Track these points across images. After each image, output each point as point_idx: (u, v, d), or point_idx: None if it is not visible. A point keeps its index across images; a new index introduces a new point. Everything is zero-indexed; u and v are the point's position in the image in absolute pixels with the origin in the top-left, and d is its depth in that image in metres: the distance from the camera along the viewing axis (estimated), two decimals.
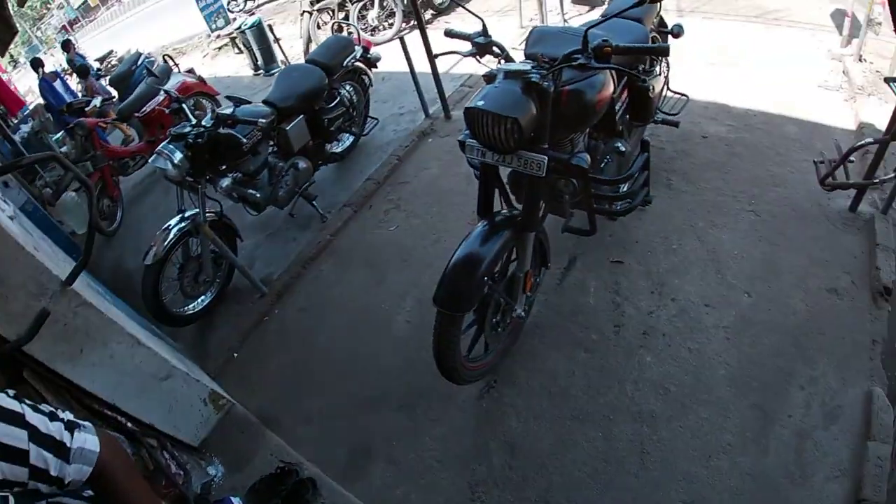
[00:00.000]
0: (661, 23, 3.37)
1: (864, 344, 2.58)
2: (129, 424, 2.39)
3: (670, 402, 2.49)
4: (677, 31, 3.22)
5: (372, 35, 6.55)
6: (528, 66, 2.01)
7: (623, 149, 2.73)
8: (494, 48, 2.24)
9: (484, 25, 2.26)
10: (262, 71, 6.37)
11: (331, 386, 2.91)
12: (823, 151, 3.27)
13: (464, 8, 2.44)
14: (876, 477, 2.14)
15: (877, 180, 2.95)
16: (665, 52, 2.00)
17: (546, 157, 2.04)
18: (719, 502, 2.18)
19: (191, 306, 3.38)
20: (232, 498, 2.37)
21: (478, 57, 2.28)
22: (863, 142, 2.89)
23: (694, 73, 4.48)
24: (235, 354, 3.23)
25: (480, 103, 1.96)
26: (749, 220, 3.20)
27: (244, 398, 2.93)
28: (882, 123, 3.51)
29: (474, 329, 2.47)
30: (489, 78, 2.12)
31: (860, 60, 4.37)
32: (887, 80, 2.73)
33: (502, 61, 2.24)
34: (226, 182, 3.18)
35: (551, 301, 3.01)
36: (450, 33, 2.38)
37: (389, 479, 2.49)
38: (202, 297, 3.42)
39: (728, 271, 2.96)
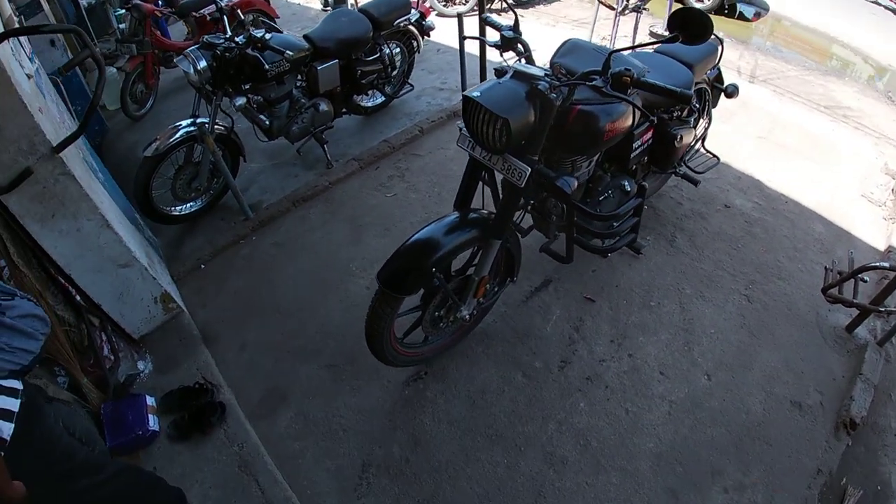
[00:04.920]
0: (718, 78, 3.21)
1: (808, 470, 2.43)
2: (78, 297, 2.46)
3: (586, 456, 2.41)
4: (731, 91, 3.07)
5: (445, 6, 6.37)
6: (540, 72, 1.91)
7: (628, 188, 2.62)
8: (519, 45, 2.15)
9: (516, 20, 2.17)
10: (329, 7, 6.30)
11: (274, 324, 2.92)
12: (835, 260, 3.10)
13: (507, 4, 2.36)
14: None
15: (883, 309, 2.76)
16: (685, 99, 1.87)
17: (529, 169, 1.95)
18: None
19: (178, 209, 3.41)
20: (147, 397, 2.44)
21: (501, 51, 2.20)
22: (878, 263, 2.68)
23: (741, 140, 4.32)
24: (203, 266, 3.26)
25: (476, 94, 1.87)
26: (739, 304, 3.05)
27: (196, 308, 2.99)
28: None
29: (418, 315, 2.42)
30: (499, 73, 2.03)
31: None
32: None
33: (523, 60, 2.15)
34: (240, 101, 3.18)
35: (510, 315, 2.94)
36: (485, 20, 2.32)
37: (293, 430, 2.49)
38: (191, 203, 3.45)
39: (697, 347, 2.83)
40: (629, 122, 2.27)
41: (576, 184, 2.10)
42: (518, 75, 1.93)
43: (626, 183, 2.64)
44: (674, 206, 3.66)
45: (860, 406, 2.63)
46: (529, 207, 2.55)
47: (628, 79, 1.85)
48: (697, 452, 2.45)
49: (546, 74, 1.91)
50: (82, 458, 1.65)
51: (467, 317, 2.39)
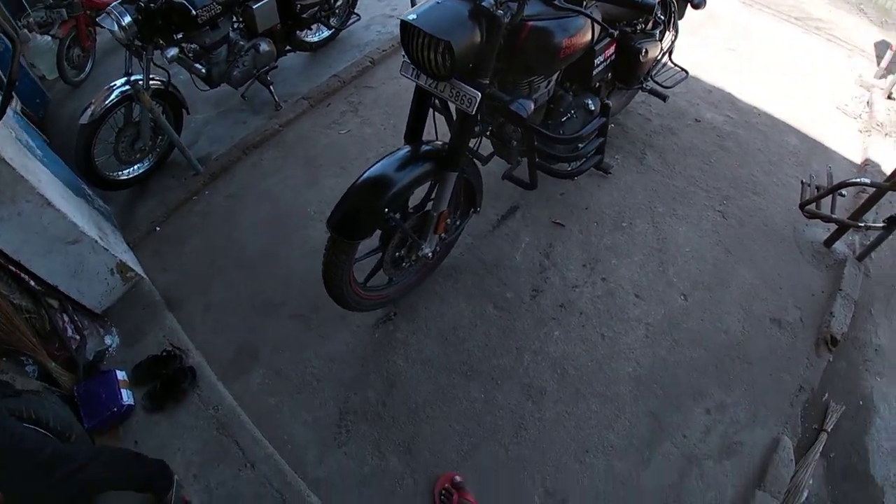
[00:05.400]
0: None
1: (790, 388, 2.44)
2: (32, 283, 2.36)
3: (565, 385, 2.38)
4: (698, 2, 2.88)
5: None
6: None
7: (592, 107, 2.48)
8: None
9: None
10: None
11: (236, 280, 2.81)
12: (813, 175, 3.03)
13: None
14: None
15: (862, 224, 2.73)
16: (648, 9, 1.72)
17: (479, 94, 1.79)
18: (581, 501, 2.10)
19: (125, 172, 3.23)
20: (118, 371, 2.37)
21: None
22: (858, 179, 2.63)
23: (710, 53, 4.19)
24: (158, 228, 3.10)
25: (413, 17, 1.70)
26: (714, 221, 2.99)
27: (156, 273, 2.86)
28: (889, 166, 3.32)
29: (378, 257, 2.31)
30: None
31: (889, 98, 4.09)
32: None
33: None
34: (171, 52, 2.94)
35: (477, 246, 2.85)
36: None
37: (267, 386, 2.43)
38: (137, 165, 3.26)
39: (672, 267, 2.78)
40: (588, 37, 2.11)
41: (532, 107, 1.96)
42: None
43: (590, 102, 2.51)
44: (642, 122, 3.54)
45: (841, 322, 2.63)
46: (488, 133, 2.41)
47: None
48: (677, 374, 2.44)
49: None
50: (51, 449, 1.60)
51: (430, 254, 2.29)
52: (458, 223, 2.48)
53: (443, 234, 2.30)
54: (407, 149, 2.05)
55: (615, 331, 2.55)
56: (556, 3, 1.73)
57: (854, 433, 2.41)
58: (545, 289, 2.69)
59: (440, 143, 2.12)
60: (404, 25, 1.75)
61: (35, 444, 1.55)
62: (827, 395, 2.48)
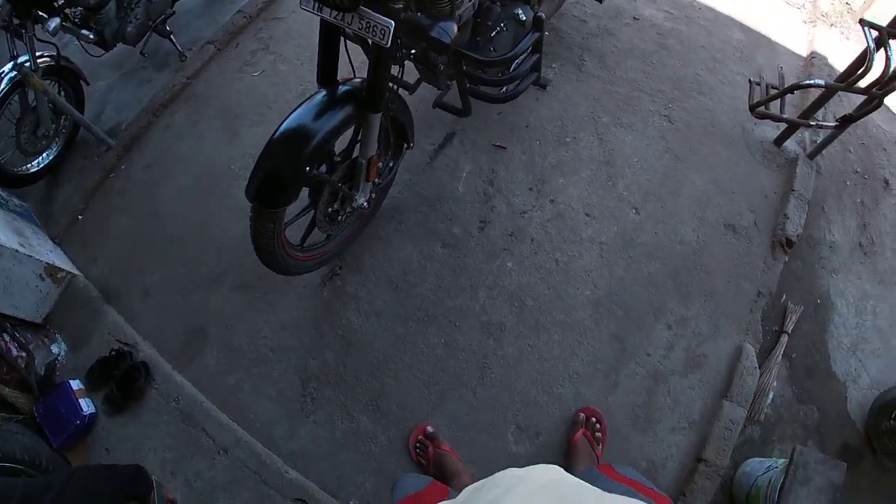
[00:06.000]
0: None
1: (748, 294, 2.43)
2: None
3: (524, 317, 2.33)
4: None
5: None
6: None
7: (524, 17, 2.29)
8: None
9: None
10: None
11: (171, 257, 2.62)
12: (762, 74, 2.90)
13: None
14: (723, 440, 2.08)
15: (814, 123, 2.66)
16: None
17: (392, 23, 1.58)
18: (554, 432, 2.11)
19: (34, 163, 2.93)
20: (71, 382, 2.26)
21: None
22: (812, 81, 2.56)
23: None
24: (79, 217, 2.85)
25: None
26: (660, 126, 2.88)
27: (87, 265, 2.66)
28: (836, 58, 3.19)
29: (310, 215, 2.14)
30: None
31: None
32: (862, 23, 2.34)
33: None
34: (53, 23, 2.59)
35: (416, 182, 2.70)
36: None
37: (223, 366, 2.32)
38: (45, 153, 2.95)
39: (621, 180, 2.69)
40: None
41: (455, 29, 1.73)
42: None
43: (520, 11, 2.31)
44: (577, 24, 3.31)
45: (795, 224, 2.60)
46: (411, 57, 2.20)
47: None
48: (635, 292, 2.40)
49: None
50: (23, 487, 1.55)
51: (365, 204, 2.13)
52: (390, 165, 2.31)
53: (376, 180, 2.14)
54: (322, 93, 1.85)
55: (569, 254, 2.48)
56: None
57: (814, 332, 2.45)
58: (492, 219, 2.58)
59: (359, 80, 1.90)
60: None
61: (4, 490, 1.49)
62: (785, 296, 2.49)
